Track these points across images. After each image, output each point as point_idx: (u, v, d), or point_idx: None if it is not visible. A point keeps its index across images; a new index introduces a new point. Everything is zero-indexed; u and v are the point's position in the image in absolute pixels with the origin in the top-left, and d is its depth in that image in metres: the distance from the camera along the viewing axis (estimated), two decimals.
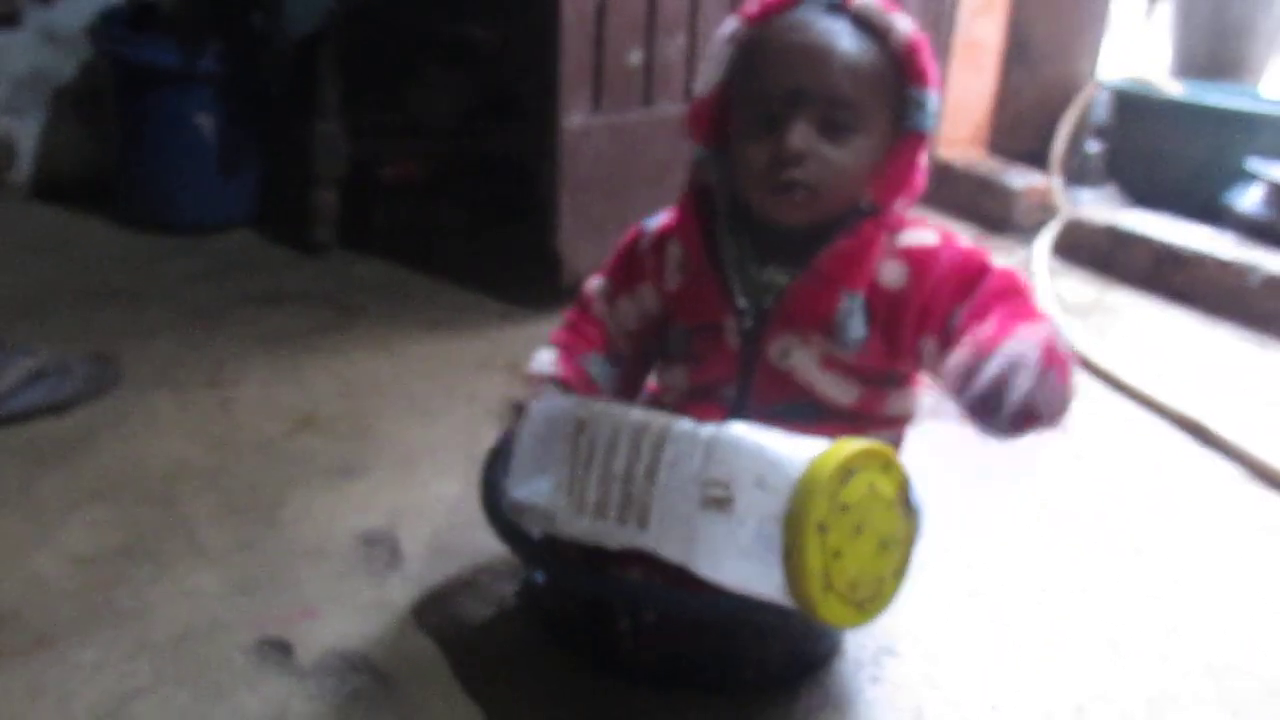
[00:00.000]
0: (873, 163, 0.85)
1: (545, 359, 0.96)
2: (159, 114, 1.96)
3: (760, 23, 0.86)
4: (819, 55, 0.82)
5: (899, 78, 0.85)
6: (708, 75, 0.88)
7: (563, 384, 0.93)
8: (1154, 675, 0.94)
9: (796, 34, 0.83)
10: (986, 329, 0.77)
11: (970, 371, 0.74)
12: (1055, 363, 0.74)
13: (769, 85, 0.83)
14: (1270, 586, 1.08)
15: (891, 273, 0.86)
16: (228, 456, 1.21)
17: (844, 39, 0.82)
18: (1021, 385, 0.71)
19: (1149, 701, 0.90)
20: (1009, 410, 0.71)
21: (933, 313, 0.84)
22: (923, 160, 0.87)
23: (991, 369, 0.72)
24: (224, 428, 1.28)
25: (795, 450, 0.70)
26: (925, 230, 0.88)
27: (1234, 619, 1.02)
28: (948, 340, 0.82)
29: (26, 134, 2.18)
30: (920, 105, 0.85)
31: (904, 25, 0.84)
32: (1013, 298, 0.82)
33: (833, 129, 0.82)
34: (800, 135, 0.82)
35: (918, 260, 0.86)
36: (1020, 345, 0.73)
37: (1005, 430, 0.73)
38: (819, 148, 0.82)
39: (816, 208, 0.85)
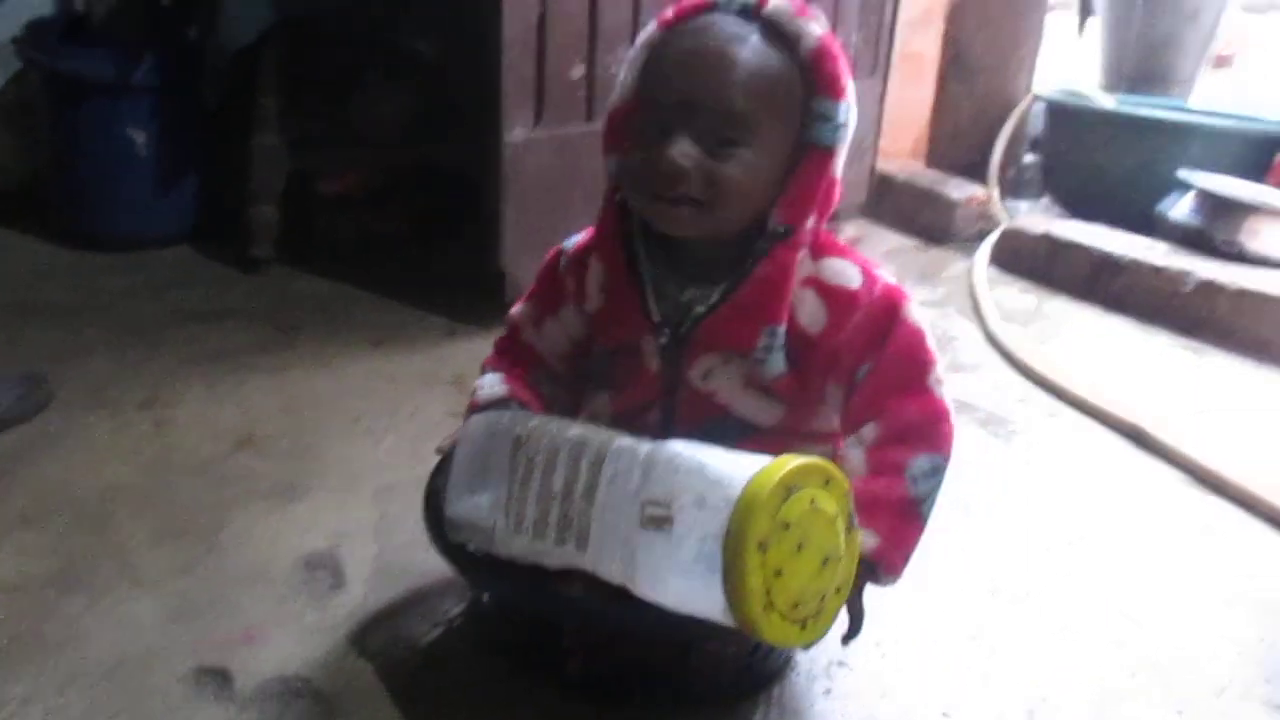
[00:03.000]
0: (769, 178, 0.81)
1: (491, 381, 0.94)
2: (91, 127, 1.91)
3: (672, 27, 0.83)
4: (712, 66, 0.78)
5: (807, 88, 0.81)
6: (623, 83, 0.85)
7: (517, 403, 0.91)
8: (1101, 675, 0.95)
9: (696, 41, 0.80)
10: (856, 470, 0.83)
11: None
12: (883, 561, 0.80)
13: (662, 94, 0.80)
14: (1212, 585, 1.10)
15: (810, 312, 0.84)
16: (164, 479, 1.18)
17: (745, 48, 0.78)
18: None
19: (1097, 702, 0.91)
20: None
21: (841, 362, 0.84)
22: (834, 174, 0.83)
23: None
24: (160, 449, 1.25)
25: (735, 468, 0.68)
26: (848, 264, 0.85)
27: (1178, 618, 1.04)
28: (851, 393, 0.84)
29: None
30: (826, 118, 0.81)
31: (815, 32, 0.80)
32: (907, 376, 0.83)
33: (722, 142, 0.78)
34: (681, 150, 0.78)
35: (837, 304, 0.84)
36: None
37: None
38: (704, 162, 0.78)
39: (706, 223, 0.81)
